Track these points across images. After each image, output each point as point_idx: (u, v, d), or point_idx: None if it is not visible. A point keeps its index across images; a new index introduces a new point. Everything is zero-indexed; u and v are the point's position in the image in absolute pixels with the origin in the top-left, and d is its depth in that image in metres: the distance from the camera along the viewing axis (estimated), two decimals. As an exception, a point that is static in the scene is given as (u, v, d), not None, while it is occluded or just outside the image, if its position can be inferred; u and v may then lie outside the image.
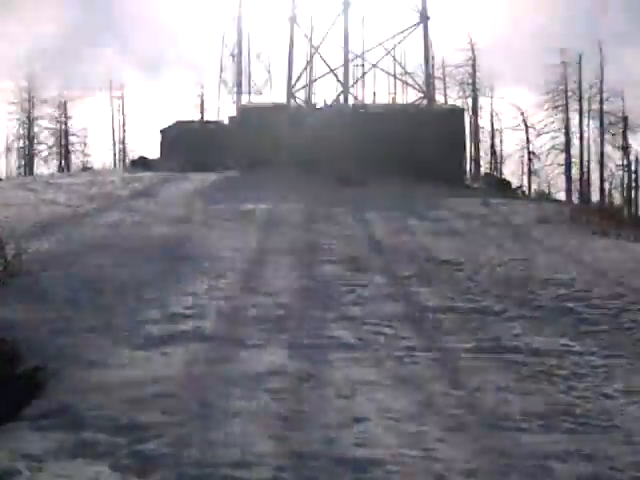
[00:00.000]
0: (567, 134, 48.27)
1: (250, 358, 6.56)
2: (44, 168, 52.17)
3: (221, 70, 56.16)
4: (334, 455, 4.59)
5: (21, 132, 55.83)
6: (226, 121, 44.17)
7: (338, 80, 28.58)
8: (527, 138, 49.74)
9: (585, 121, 47.71)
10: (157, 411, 5.08)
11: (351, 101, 28.82)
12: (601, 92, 47.69)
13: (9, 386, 5.54)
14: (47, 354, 6.39)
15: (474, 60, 50.52)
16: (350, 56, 28.35)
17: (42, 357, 6.28)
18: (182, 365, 6.32)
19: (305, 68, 30.80)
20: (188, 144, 40.40)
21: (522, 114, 49.42)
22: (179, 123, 46.21)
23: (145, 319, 7.74)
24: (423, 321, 8.15)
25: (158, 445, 4.57)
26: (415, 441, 4.88)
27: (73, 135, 56.82)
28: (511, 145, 50.92)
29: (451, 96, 49.26)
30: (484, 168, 48.16)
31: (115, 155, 55.97)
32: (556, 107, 48.48)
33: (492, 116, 53.09)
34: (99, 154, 63.13)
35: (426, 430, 5.09)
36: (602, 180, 46.74)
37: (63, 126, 56.53)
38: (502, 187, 30.09)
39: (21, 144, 56.07)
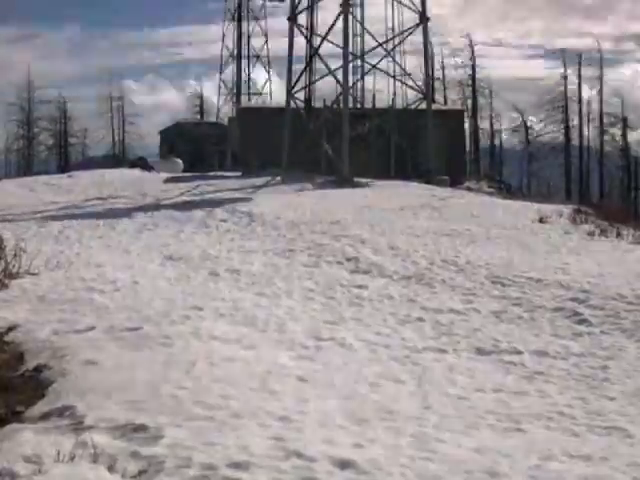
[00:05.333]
0: (567, 134, 48.30)
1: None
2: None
3: (221, 70, 56.28)
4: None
5: (20, 133, 55.78)
6: (226, 122, 44.22)
7: (338, 81, 28.56)
8: (527, 139, 49.80)
9: (585, 121, 47.80)
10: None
11: (351, 103, 28.82)
12: (601, 92, 47.74)
13: (11, 387, 5.54)
14: (49, 354, 6.39)
15: (473, 61, 50.55)
16: (349, 57, 28.34)
17: (44, 357, 6.28)
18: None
19: (305, 69, 30.79)
20: (188, 145, 40.44)
21: (522, 115, 49.42)
22: (179, 124, 46.19)
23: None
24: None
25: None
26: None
27: (73, 137, 56.77)
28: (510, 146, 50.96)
29: (451, 97, 49.28)
30: (484, 169, 48.24)
31: (114, 155, 55.99)
32: (556, 107, 48.52)
33: (491, 117, 53.15)
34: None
35: None
36: (602, 180, 46.82)
37: (62, 127, 56.44)
38: (502, 188, 30.19)
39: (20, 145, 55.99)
